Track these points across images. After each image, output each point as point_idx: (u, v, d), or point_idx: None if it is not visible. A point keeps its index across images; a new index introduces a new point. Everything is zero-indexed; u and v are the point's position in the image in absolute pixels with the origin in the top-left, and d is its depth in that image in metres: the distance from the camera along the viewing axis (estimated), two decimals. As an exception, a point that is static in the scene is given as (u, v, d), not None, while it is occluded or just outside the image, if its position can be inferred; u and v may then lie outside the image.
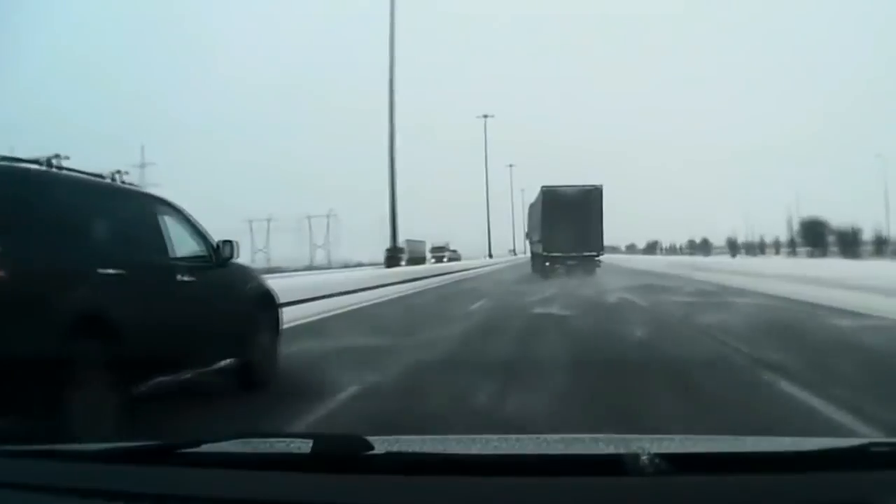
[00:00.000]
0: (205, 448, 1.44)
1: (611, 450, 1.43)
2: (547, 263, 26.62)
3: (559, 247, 26.04)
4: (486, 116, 64.24)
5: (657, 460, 1.20)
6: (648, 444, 1.35)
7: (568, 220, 25.52)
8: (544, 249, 27.03)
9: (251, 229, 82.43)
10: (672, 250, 64.23)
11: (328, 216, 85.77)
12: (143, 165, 69.12)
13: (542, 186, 27.78)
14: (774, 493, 1.17)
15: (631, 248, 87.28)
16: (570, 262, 25.79)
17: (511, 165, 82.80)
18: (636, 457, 1.21)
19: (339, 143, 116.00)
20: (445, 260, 59.44)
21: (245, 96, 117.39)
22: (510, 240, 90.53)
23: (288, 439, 1.51)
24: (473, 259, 62.94)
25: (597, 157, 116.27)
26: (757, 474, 1.23)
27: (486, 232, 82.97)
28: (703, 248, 53.87)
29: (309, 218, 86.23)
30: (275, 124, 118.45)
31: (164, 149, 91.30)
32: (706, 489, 1.19)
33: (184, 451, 1.43)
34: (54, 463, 1.48)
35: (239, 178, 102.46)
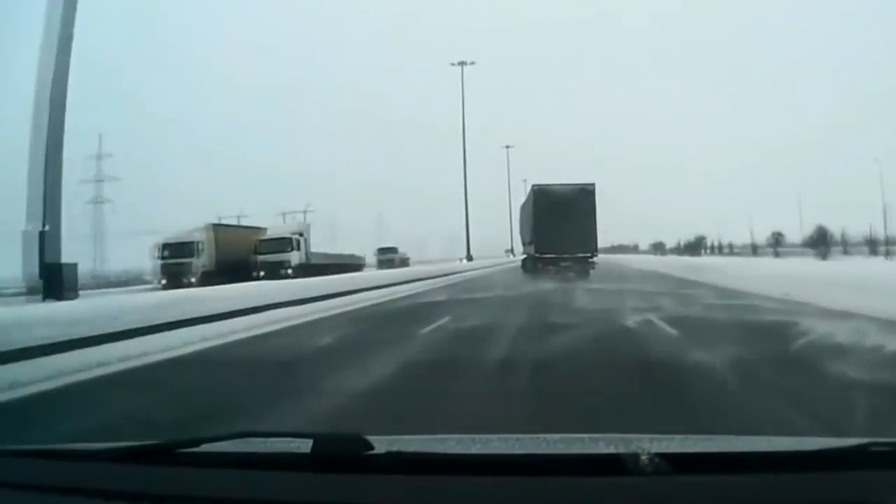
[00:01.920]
0: (205, 448, 1.44)
1: (611, 449, 1.44)
2: (539, 265, 26.19)
3: (551, 248, 25.56)
4: (462, 63, 51.71)
5: (657, 460, 1.21)
6: (648, 444, 1.35)
7: (560, 220, 25.01)
8: (536, 251, 26.62)
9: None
10: (716, 249, 50.15)
11: (304, 212, 69.91)
12: (99, 157, 62.24)
13: (533, 185, 27.31)
14: (774, 493, 1.18)
15: (658, 247, 72.80)
16: (563, 264, 25.27)
17: (508, 147, 70.27)
18: (636, 456, 1.22)
19: (320, 135, 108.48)
20: (289, 270, 31.43)
21: (220, 86, 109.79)
22: (510, 239, 77.69)
23: (288, 439, 1.51)
24: (438, 263, 50.00)
25: (619, 151, 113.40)
26: (757, 474, 1.23)
27: (493, 228, 72.55)
28: (819, 243, 33.07)
29: (284, 214, 69.88)
30: (254, 115, 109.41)
31: (131, 140, 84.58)
32: (706, 489, 1.19)
33: (184, 450, 1.44)
34: (54, 463, 1.49)
35: (212, 171, 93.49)
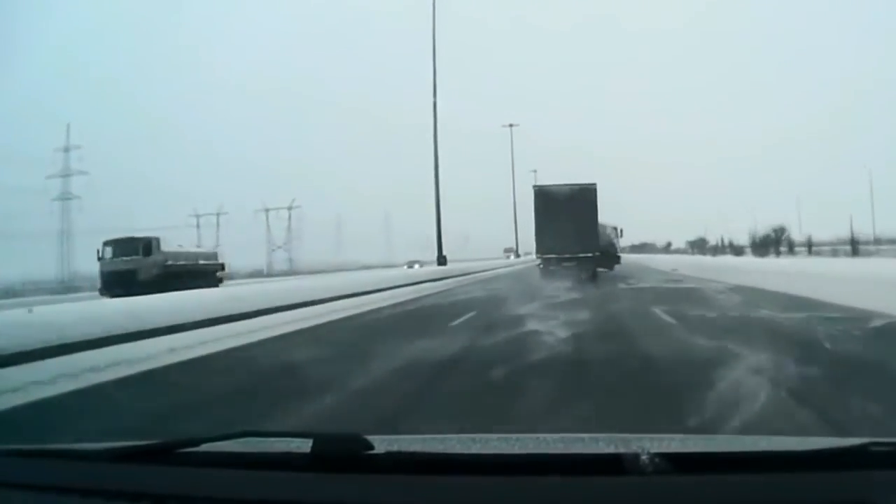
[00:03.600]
0: (205, 448, 1.44)
1: (611, 449, 1.44)
2: (541, 266, 26.12)
3: (553, 248, 25.47)
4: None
5: (657, 460, 1.21)
6: (648, 444, 1.35)
7: (561, 220, 24.84)
8: (537, 251, 26.53)
9: (198, 224, 65.03)
10: (785, 246, 36.83)
11: (290, 208, 67.07)
12: (67, 149, 54.74)
13: (534, 186, 27.28)
14: (774, 493, 1.18)
15: (698, 245, 56.12)
16: (565, 265, 25.15)
17: (512, 125, 62.06)
18: (636, 456, 1.22)
19: (307, 130, 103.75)
20: None
21: (198, 75, 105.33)
22: (515, 236, 68.45)
23: (288, 438, 1.51)
24: (370, 271, 38.82)
25: (642, 147, 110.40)
26: (757, 474, 1.23)
27: (498, 226, 63.17)
28: None
29: (266, 210, 67.97)
30: (235, 107, 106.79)
31: (101, 131, 75.72)
32: (706, 489, 1.19)
33: (184, 450, 1.44)
34: (54, 463, 1.49)
35: (191, 165, 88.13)
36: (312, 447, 1.34)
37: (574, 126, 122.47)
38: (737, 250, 43.05)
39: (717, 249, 49.04)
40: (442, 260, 36.16)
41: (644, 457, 1.21)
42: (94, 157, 59.03)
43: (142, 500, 1.28)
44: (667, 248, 70.88)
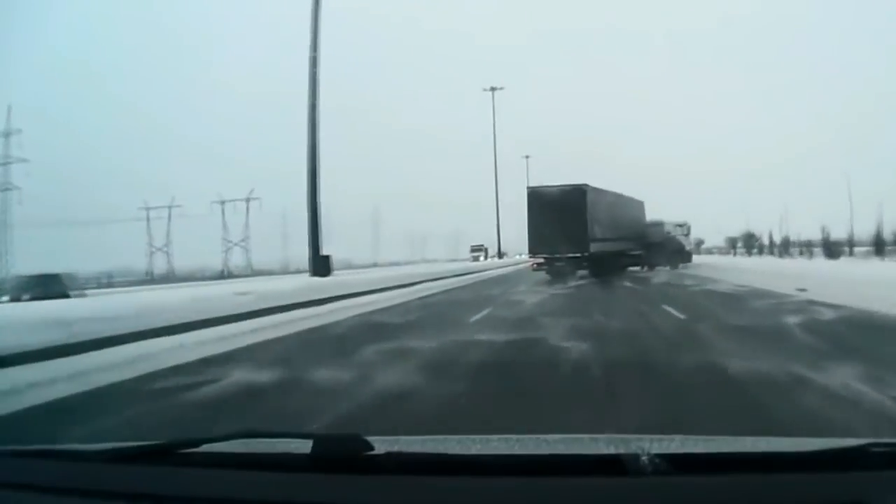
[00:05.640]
0: (205, 448, 1.44)
1: (611, 450, 1.44)
2: (535, 265, 26.50)
3: (544, 248, 25.93)
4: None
5: (657, 460, 1.21)
6: (648, 445, 1.36)
7: (553, 220, 25.17)
8: (530, 251, 26.98)
9: (148, 218, 59.98)
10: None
11: (248, 200, 60.41)
12: (7, 134, 49.29)
13: (528, 187, 27.73)
14: (774, 493, 1.18)
15: (746, 243, 42.53)
16: (557, 265, 25.54)
17: (494, 89, 52.65)
18: (636, 457, 1.22)
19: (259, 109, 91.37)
20: None
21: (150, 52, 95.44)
22: (496, 231, 57.65)
23: (288, 439, 1.51)
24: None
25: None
26: (756, 474, 1.23)
27: (512, 230, 52.38)
28: None
29: (222, 203, 60.88)
30: (189, 90, 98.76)
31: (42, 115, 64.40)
32: (706, 489, 1.19)
33: (184, 451, 1.44)
34: (54, 463, 1.49)
35: (140, 153, 79.62)
36: (312, 448, 1.34)
37: (581, 118, 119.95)
38: (831, 250, 29.78)
39: (783, 248, 36.00)
40: (320, 265, 19.72)
41: (644, 457, 1.22)
42: (32, 141, 51.40)
43: (141, 501, 1.28)
44: (698, 247, 52.94)
